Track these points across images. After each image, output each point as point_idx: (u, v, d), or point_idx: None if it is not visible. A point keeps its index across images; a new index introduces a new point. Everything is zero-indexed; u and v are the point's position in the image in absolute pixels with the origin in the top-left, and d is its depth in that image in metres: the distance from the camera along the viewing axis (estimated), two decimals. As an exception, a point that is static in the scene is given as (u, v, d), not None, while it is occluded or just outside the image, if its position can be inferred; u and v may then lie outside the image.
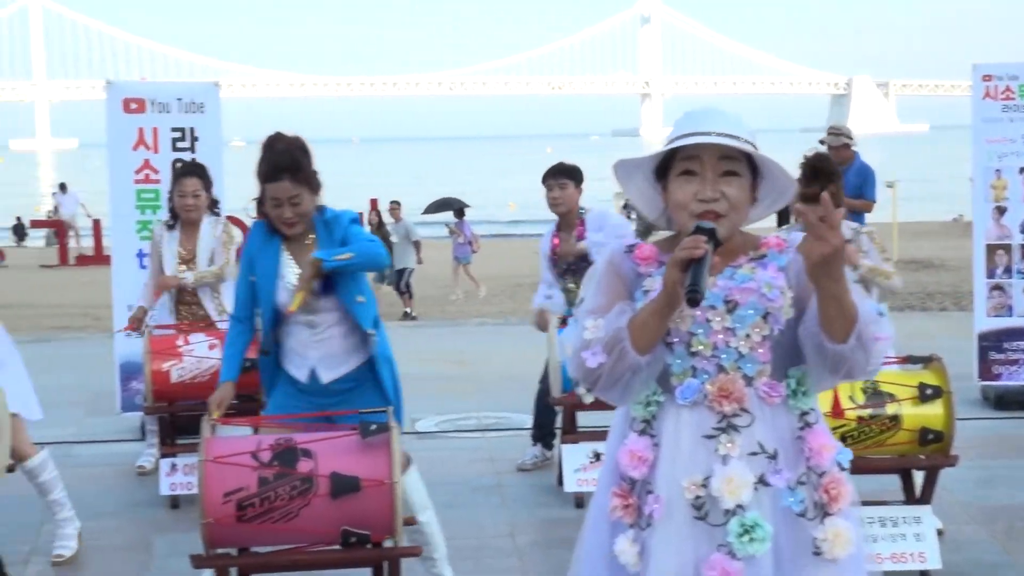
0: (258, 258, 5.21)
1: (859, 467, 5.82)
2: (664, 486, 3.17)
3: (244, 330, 5.33)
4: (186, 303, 7.86)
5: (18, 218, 38.22)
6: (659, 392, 3.22)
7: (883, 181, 25.28)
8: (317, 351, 5.21)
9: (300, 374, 5.24)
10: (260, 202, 5.18)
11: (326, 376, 5.22)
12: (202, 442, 4.47)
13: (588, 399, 6.69)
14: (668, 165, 3.23)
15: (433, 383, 10.66)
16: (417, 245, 20.41)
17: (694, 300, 2.99)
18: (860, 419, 5.81)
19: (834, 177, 6.10)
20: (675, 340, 3.18)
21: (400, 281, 19.80)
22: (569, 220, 7.73)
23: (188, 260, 7.83)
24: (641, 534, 3.19)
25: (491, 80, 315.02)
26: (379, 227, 21.66)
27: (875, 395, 5.80)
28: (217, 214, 7.97)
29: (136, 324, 7.79)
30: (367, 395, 5.20)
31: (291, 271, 5.17)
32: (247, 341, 5.34)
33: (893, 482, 6.39)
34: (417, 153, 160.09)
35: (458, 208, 23.89)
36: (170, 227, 7.88)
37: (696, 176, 3.16)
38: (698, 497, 3.13)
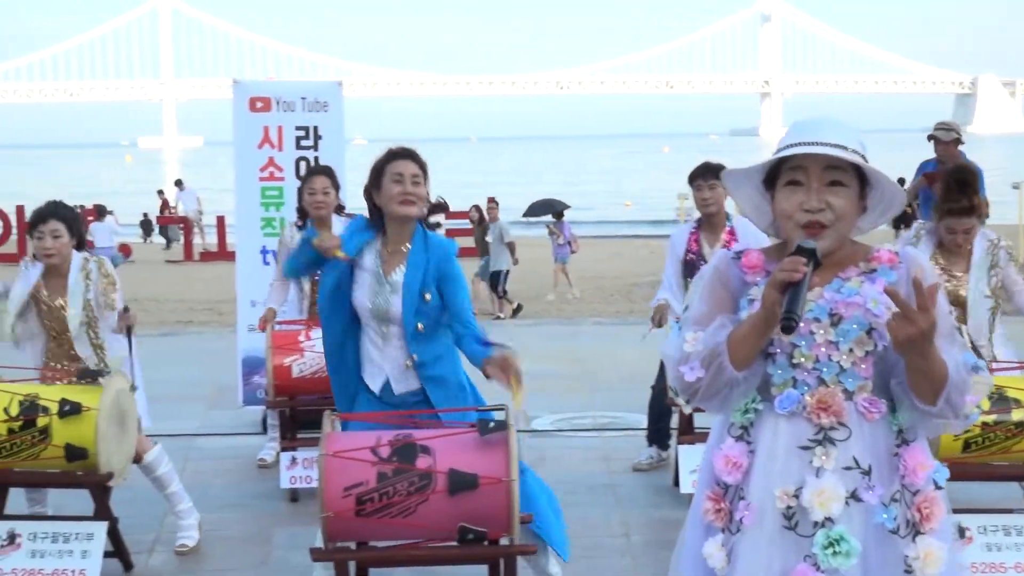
0: (350, 244, 5.22)
1: (984, 474, 5.74)
2: (756, 493, 3.16)
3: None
4: (315, 303, 7.89)
5: (144, 214, 39.00)
6: (758, 400, 3.21)
7: (1010, 182, 24.84)
8: (390, 364, 5.25)
9: (375, 384, 5.27)
10: (370, 188, 5.20)
11: (397, 388, 5.25)
12: (323, 436, 4.52)
13: (687, 410, 6.64)
14: (777, 174, 3.21)
15: (549, 382, 10.67)
16: (511, 246, 20.41)
17: (788, 328, 2.99)
18: (985, 425, 5.68)
19: (976, 189, 5.99)
20: (777, 350, 3.17)
21: (497, 284, 19.82)
22: (714, 222, 7.56)
23: None
24: (731, 539, 3.19)
25: (609, 79, 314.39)
26: (479, 223, 21.78)
27: (1000, 400, 5.66)
28: (348, 215, 8.04)
29: (265, 326, 7.82)
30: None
31: (374, 269, 5.19)
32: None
33: (1018, 490, 6.25)
34: (534, 152, 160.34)
35: (558, 210, 23.96)
36: (300, 227, 7.96)
37: (802, 186, 3.14)
38: (789, 507, 3.12)
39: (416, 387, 5.24)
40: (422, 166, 5.18)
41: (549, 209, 25.09)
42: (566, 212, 24.35)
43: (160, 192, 40.06)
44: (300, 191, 8.03)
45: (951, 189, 6.03)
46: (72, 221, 6.38)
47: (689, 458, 7.15)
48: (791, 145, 3.16)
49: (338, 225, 7.90)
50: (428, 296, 5.13)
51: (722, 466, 3.21)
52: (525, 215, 27.15)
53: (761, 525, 3.14)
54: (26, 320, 6.38)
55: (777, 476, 3.14)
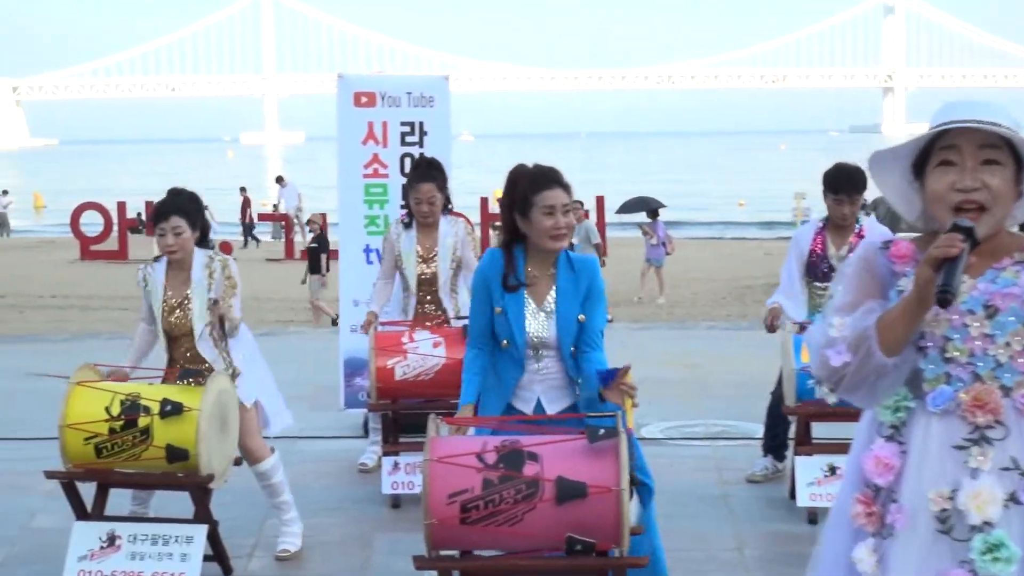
0: (502, 290, 5.19)
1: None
2: (909, 496, 3.10)
3: (481, 355, 5.32)
4: (423, 302, 7.96)
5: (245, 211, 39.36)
6: (909, 397, 3.14)
7: None
8: (541, 384, 5.26)
9: (526, 408, 5.28)
10: (514, 221, 5.16)
11: (551, 408, 5.26)
12: (427, 441, 4.53)
13: (831, 399, 6.53)
14: (927, 159, 3.14)
15: (660, 388, 10.62)
16: (598, 248, 20.31)
17: (945, 300, 2.91)
18: None
19: None
20: (929, 344, 3.10)
21: None
22: (847, 226, 7.42)
23: (428, 258, 7.91)
24: (882, 543, 3.13)
25: (723, 73, 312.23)
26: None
27: None
28: (455, 214, 8.08)
29: (367, 328, 7.83)
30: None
31: (530, 308, 5.19)
32: (484, 365, 5.34)
33: None
34: (644, 149, 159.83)
35: (653, 208, 23.58)
36: (407, 225, 8.00)
37: (955, 166, 3.07)
38: (943, 510, 3.05)
39: (567, 405, 5.26)
40: (568, 189, 5.14)
41: (643, 207, 24.68)
42: (661, 211, 23.98)
43: (242, 189, 40.33)
44: (406, 191, 8.07)
45: None
46: (194, 214, 6.40)
47: (806, 470, 7.07)
48: (943, 124, 3.08)
49: (445, 225, 7.94)
50: (582, 318, 5.17)
51: (873, 467, 3.15)
52: (618, 212, 26.86)
53: (914, 529, 3.08)
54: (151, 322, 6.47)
55: (930, 478, 3.08)
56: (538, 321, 5.19)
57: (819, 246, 7.48)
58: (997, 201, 3.06)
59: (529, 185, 5.09)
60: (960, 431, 3.07)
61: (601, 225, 25.03)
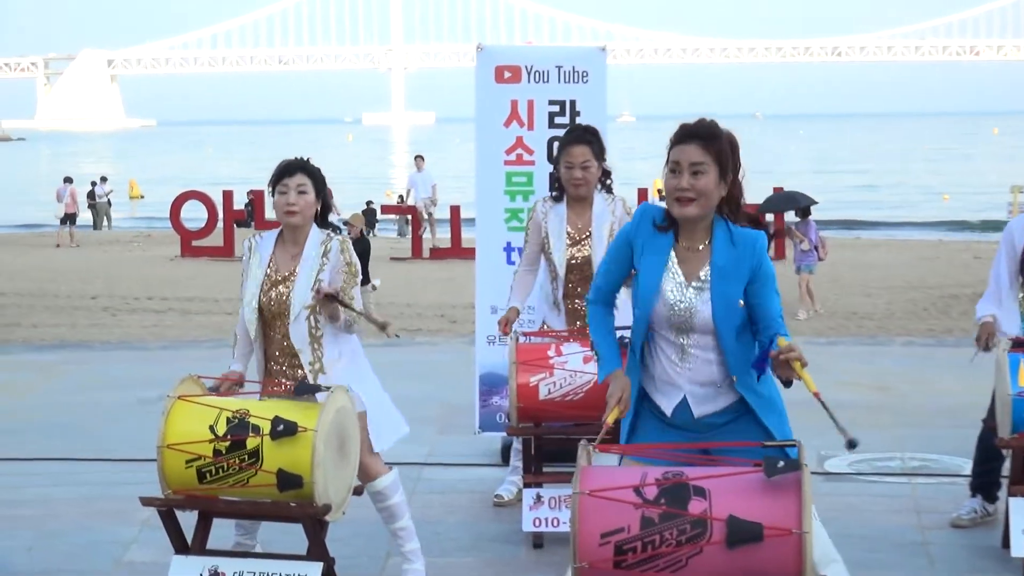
0: (647, 248, 5.20)
1: None
2: None
3: (607, 312, 5.39)
4: (572, 295, 7.94)
5: (368, 203, 39.63)
6: None
7: None
8: (688, 379, 5.19)
9: (667, 405, 5.22)
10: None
11: (699, 410, 5.19)
12: (578, 471, 4.54)
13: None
14: None
15: (847, 413, 10.44)
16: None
17: None
18: None
19: None
20: None
21: None
22: None
23: (580, 240, 7.90)
24: None
25: (898, 44, 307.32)
26: None
27: None
28: (610, 191, 8.02)
29: (508, 329, 7.86)
30: (748, 431, 5.15)
31: (675, 274, 5.18)
32: (612, 324, 5.39)
33: None
34: (827, 131, 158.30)
35: (803, 206, 22.62)
36: (556, 200, 8.01)
37: None
38: None
39: (722, 407, 5.19)
40: (708, 149, 5.12)
41: (792, 204, 23.80)
42: (813, 208, 23.06)
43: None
44: (556, 160, 8.06)
45: None
46: (320, 181, 6.57)
47: (1023, 514, 6.95)
48: None
49: (601, 203, 7.89)
50: (742, 302, 5.12)
51: None
52: (760, 210, 26.15)
53: None
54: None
55: None
56: (686, 298, 5.18)
57: None
58: None
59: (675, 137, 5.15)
60: None
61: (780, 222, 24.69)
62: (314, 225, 6.55)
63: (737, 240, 5.15)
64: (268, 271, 6.51)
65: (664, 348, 5.22)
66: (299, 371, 6.47)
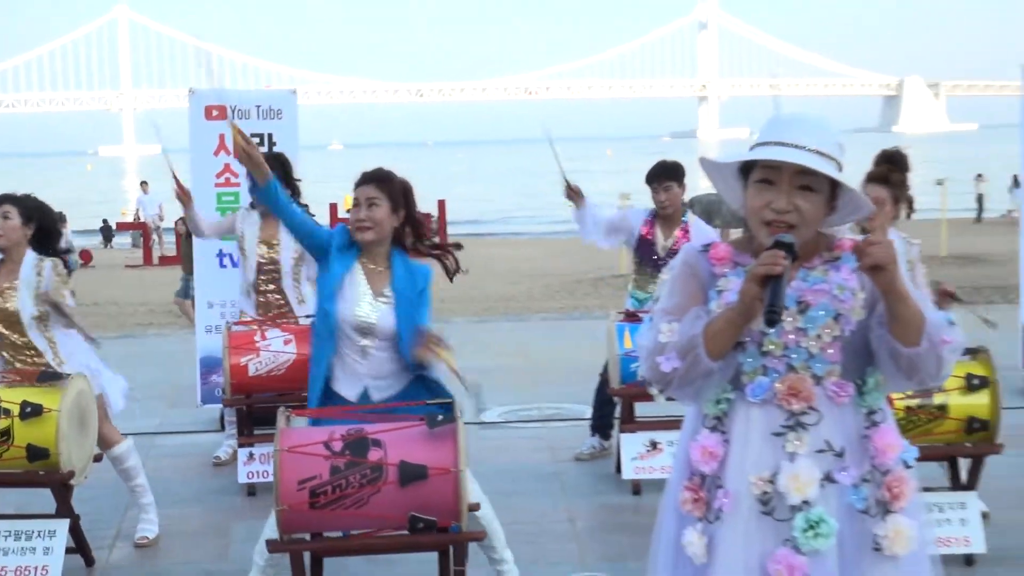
0: (336, 257, 5.13)
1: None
2: (733, 482, 3.15)
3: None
4: (263, 292, 7.91)
5: (104, 220, 38.54)
6: (730, 390, 3.19)
7: (933, 178, 25.09)
8: (367, 370, 5.14)
9: (351, 393, 5.17)
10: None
11: (377, 396, 5.15)
12: (277, 432, 4.51)
13: (660, 399, 6.63)
14: (753, 164, 3.15)
15: (498, 375, 10.68)
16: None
17: (772, 321, 2.97)
18: (908, 409, 5.76)
19: (901, 168, 6.03)
20: (747, 339, 3.14)
21: None
22: (673, 218, 7.69)
23: (272, 245, 7.90)
24: (709, 527, 3.17)
25: (554, 84, 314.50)
26: (187, 237, 20.94)
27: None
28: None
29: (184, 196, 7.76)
30: (417, 395, 5.16)
31: (360, 290, 5.10)
32: None
33: (939, 471, 6.33)
34: (490, 155, 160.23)
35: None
36: (253, 208, 7.94)
37: (773, 185, 3.09)
38: (765, 492, 3.11)
39: (393, 393, 5.14)
40: (381, 190, 5.09)
41: None
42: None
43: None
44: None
45: (876, 160, 6.08)
46: (30, 209, 6.22)
47: (631, 446, 7.21)
48: (766, 143, 3.09)
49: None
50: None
51: (699, 456, 3.19)
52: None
53: (738, 512, 3.12)
54: None
55: (752, 463, 3.13)
56: (374, 309, 5.12)
57: (649, 233, 7.67)
58: (806, 222, 3.10)
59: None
60: (778, 419, 3.13)
61: (442, 226, 24.96)
62: (29, 249, 6.20)
63: (412, 265, 5.16)
64: None
65: (346, 347, 5.12)
66: (42, 364, 6.22)
